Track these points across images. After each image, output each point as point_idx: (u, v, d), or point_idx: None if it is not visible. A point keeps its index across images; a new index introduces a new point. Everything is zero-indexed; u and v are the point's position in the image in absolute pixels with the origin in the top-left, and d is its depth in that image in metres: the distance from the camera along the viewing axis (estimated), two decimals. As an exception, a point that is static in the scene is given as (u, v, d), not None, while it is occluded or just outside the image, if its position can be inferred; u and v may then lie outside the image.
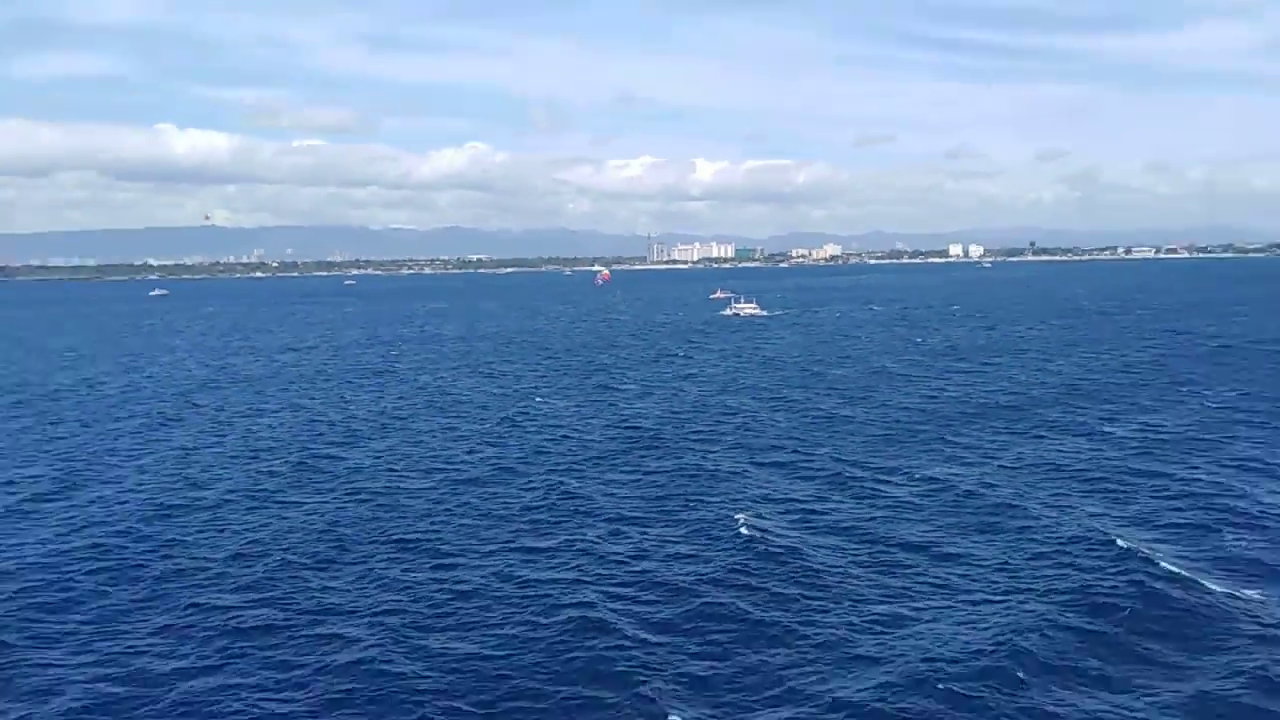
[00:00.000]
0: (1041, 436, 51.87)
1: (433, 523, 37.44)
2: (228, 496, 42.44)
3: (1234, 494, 38.57)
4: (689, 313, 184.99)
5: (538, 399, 70.03)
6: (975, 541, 33.44)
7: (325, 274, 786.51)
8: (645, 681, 23.02)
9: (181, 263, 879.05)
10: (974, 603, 27.72)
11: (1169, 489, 39.56)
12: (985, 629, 25.45)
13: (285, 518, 38.65)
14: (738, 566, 31.25)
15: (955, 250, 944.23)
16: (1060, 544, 32.46)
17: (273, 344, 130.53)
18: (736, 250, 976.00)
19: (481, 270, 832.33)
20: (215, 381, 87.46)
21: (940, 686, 22.13)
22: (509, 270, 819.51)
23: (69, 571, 32.48)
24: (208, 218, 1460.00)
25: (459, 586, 30.14)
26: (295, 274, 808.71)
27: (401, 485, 43.87)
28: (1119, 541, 32.00)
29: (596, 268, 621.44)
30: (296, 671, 24.50)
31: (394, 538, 35.52)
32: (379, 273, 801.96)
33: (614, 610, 27.64)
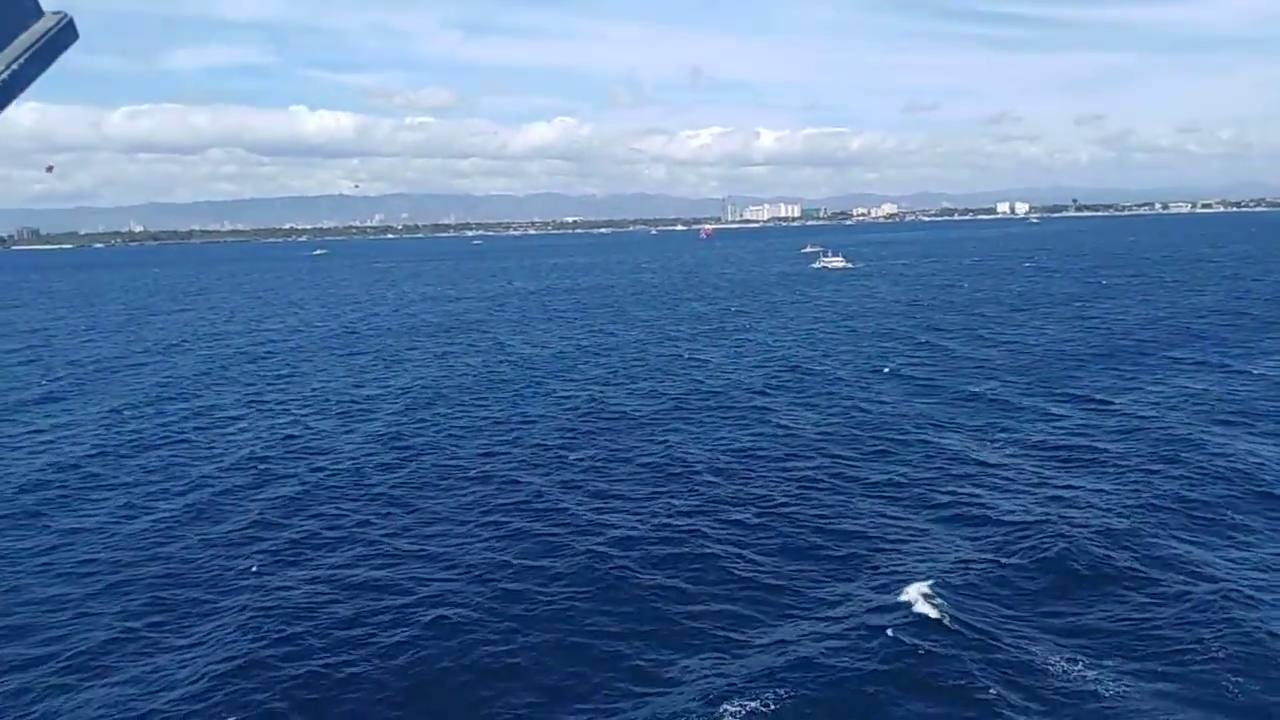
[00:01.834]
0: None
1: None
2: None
3: None
4: (788, 264, 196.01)
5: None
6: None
7: (445, 235, 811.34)
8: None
9: (319, 226, 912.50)
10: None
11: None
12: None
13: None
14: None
15: (1003, 208, 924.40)
16: None
17: (506, 289, 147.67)
18: (802, 209, 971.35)
19: (578, 230, 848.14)
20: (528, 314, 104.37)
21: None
22: (602, 230, 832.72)
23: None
24: (357, 186, 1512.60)
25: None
26: (420, 235, 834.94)
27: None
28: None
29: (699, 227, 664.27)
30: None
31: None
32: (489, 234, 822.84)
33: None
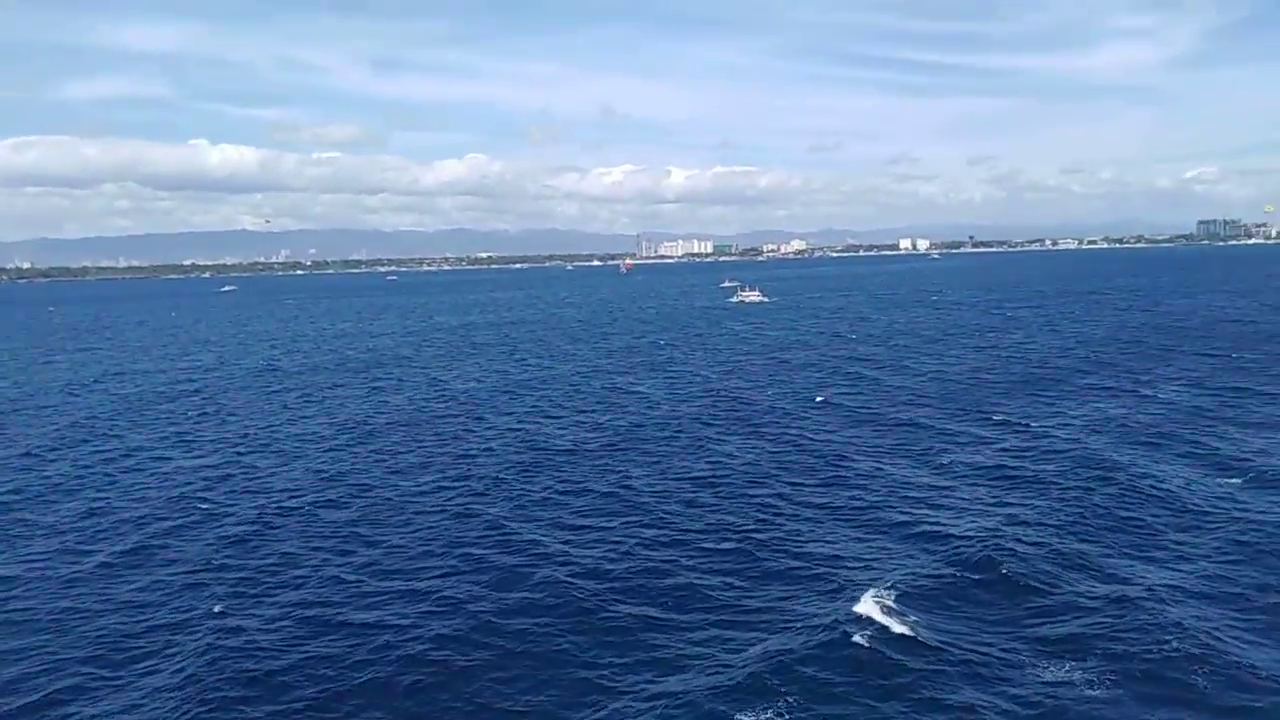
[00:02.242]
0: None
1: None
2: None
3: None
4: (706, 298, 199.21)
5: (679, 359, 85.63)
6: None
7: (357, 270, 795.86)
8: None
9: (223, 263, 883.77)
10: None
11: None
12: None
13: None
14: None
15: (905, 244, 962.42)
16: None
17: (427, 326, 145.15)
18: (714, 246, 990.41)
19: (494, 266, 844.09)
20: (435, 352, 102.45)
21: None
22: (519, 265, 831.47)
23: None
24: (268, 221, 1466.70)
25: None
26: (331, 271, 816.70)
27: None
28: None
29: (616, 262, 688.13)
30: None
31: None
32: (403, 269, 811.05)
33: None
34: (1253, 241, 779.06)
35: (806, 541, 31.95)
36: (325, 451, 49.45)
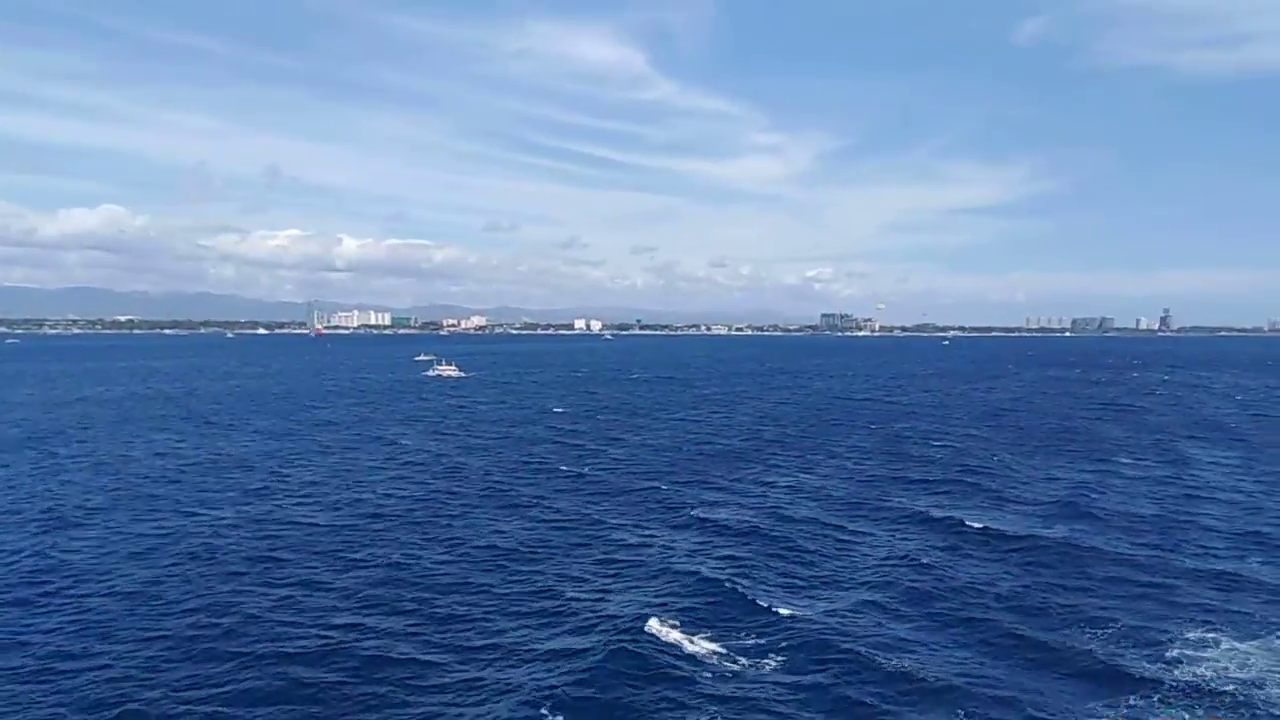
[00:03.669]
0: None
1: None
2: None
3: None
4: (400, 372, 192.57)
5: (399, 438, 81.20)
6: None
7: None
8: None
9: None
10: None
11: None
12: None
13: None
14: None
15: (580, 324, 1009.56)
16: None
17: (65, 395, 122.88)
18: (393, 318, 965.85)
19: (137, 330, 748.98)
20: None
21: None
22: (170, 331, 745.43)
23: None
24: None
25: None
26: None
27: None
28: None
29: (286, 329, 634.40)
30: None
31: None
32: (19, 331, 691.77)
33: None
34: (863, 334, 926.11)
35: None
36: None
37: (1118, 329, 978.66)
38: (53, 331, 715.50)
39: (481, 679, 26.60)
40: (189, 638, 29.41)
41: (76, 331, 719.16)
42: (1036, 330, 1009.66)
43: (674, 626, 30.10)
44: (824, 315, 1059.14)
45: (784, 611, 31.64)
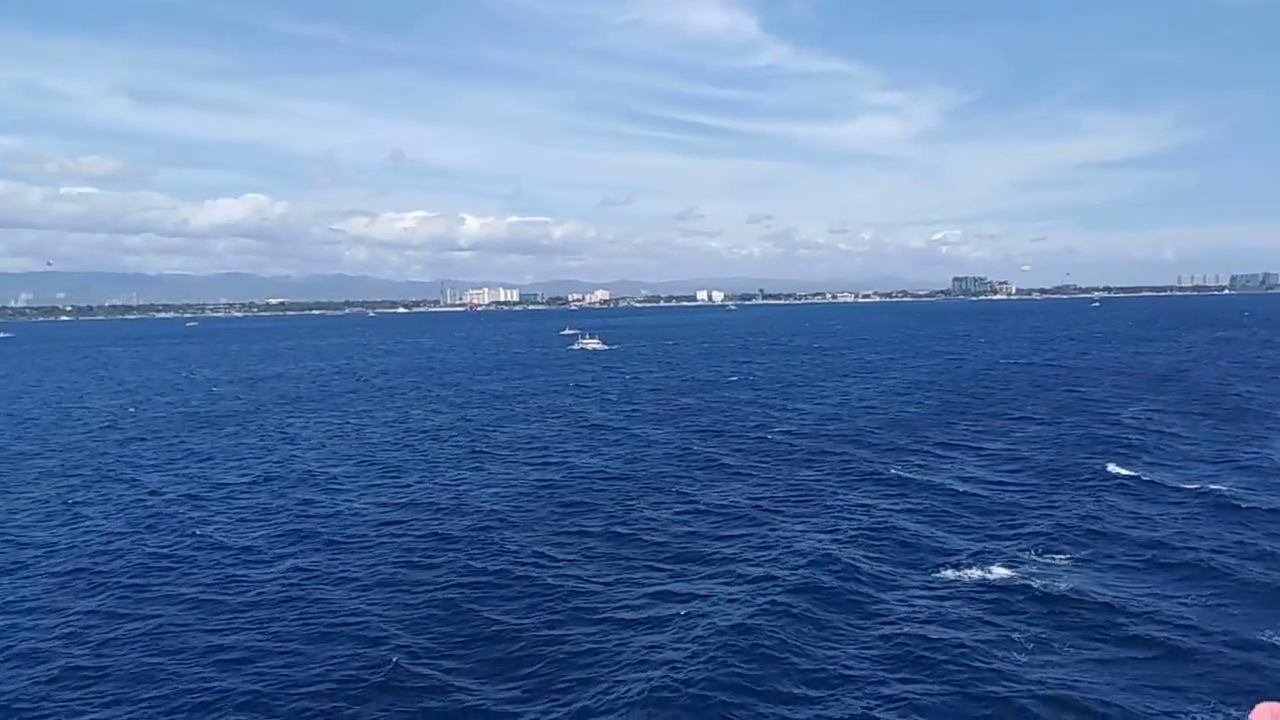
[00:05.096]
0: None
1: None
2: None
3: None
4: (545, 346, 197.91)
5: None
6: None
7: (129, 317, 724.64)
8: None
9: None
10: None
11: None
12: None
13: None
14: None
15: (702, 295, 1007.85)
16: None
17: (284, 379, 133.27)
18: (521, 294, 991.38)
19: (289, 313, 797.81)
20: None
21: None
22: (317, 312, 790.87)
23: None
24: (49, 263, 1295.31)
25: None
26: (100, 316, 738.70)
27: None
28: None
29: (422, 307, 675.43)
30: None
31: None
32: (186, 315, 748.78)
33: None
34: (998, 297, 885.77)
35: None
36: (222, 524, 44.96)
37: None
38: (215, 314, 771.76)
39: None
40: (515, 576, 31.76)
41: (237, 315, 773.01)
42: (1190, 289, 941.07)
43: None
44: (955, 279, 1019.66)
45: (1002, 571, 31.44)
